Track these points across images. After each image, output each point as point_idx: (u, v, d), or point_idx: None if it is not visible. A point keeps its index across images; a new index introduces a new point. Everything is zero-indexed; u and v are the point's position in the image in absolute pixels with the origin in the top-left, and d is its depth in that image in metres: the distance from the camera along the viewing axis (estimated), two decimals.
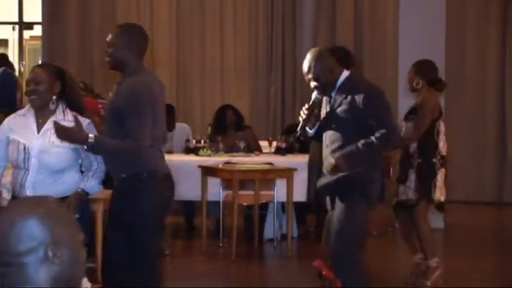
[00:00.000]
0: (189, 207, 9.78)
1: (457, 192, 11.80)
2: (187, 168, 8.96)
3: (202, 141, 9.79)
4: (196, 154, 9.45)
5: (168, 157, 8.94)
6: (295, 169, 8.31)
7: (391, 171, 8.98)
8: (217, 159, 9.08)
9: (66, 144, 4.71)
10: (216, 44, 12.42)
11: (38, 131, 4.78)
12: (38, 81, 4.75)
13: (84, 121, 4.77)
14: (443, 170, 7.02)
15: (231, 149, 9.58)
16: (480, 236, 10.09)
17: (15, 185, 4.85)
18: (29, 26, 13.60)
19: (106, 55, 4.95)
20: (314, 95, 5.44)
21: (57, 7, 12.20)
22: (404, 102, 8.13)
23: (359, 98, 5.14)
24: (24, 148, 4.74)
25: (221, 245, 8.80)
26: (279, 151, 9.60)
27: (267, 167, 8.66)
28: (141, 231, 4.89)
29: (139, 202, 4.87)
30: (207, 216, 8.85)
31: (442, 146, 7.06)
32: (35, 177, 4.76)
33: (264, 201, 8.82)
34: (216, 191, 8.75)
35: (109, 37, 4.94)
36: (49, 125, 4.70)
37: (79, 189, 4.82)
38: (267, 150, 9.89)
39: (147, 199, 4.88)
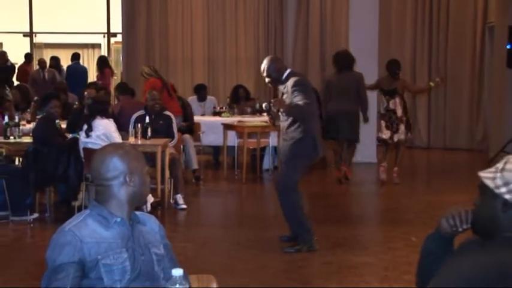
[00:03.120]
0: (216, 150, 9.75)
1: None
2: (214, 125, 8.95)
3: (224, 108, 9.75)
4: (220, 116, 9.41)
5: (202, 118, 9.04)
6: None
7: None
8: (233, 119, 9.05)
9: None
10: (232, 44, 12.28)
11: None
12: None
13: None
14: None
15: (242, 113, 9.53)
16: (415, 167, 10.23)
17: None
18: (114, 34, 13.48)
19: None
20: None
21: (131, 22, 12.07)
22: None
23: (290, 86, 4.98)
24: None
25: (236, 173, 8.81)
26: None
27: (265, 124, 8.59)
28: None
29: None
30: (227, 155, 8.86)
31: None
32: None
33: (263, 146, 8.80)
34: (232, 139, 8.74)
35: None
36: None
37: None
38: (265, 114, 9.82)
39: None
